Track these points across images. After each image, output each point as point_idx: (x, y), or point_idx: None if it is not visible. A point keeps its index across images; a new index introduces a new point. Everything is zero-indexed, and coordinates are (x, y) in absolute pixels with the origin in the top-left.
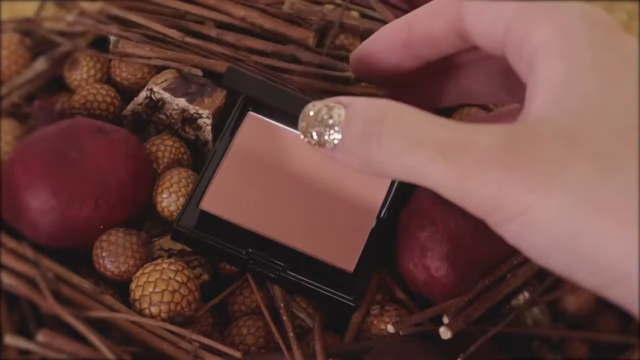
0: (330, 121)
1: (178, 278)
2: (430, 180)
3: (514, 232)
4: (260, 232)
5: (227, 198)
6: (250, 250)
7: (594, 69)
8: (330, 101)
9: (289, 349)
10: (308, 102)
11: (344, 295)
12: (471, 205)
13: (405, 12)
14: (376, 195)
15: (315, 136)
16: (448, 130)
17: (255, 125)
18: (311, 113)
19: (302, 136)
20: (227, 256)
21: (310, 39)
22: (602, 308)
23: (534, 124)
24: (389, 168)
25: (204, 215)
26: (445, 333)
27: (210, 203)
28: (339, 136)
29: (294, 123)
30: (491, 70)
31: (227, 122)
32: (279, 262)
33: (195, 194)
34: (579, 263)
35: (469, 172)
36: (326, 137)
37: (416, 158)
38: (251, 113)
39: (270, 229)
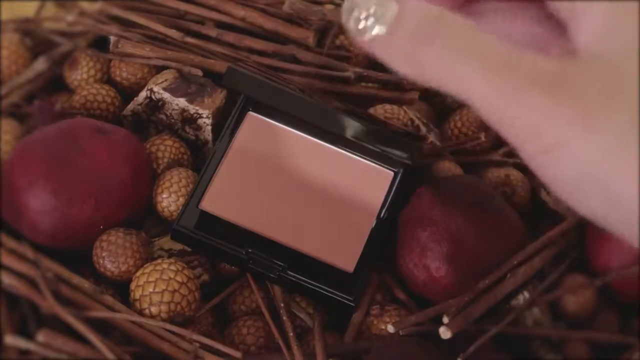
0: (380, 12)
1: (178, 278)
2: (475, 94)
3: (547, 166)
4: (260, 232)
5: (227, 198)
6: (250, 250)
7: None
8: None
9: (289, 348)
10: (307, 101)
11: (344, 295)
12: (510, 130)
13: None
14: (376, 195)
15: (355, 23)
16: (502, 46)
17: (255, 125)
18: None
19: (342, 18)
20: (227, 256)
21: (310, 39)
22: (602, 308)
23: (581, 60)
24: (436, 72)
25: (204, 215)
26: (445, 333)
27: (210, 203)
28: (382, 29)
29: (294, 123)
30: (526, 15)
31: (227, 122)
32: (279, 262)
33: (195, 194)
34: (610, 207)
35: (514, 93)
36: (368, 26)
37: (467, 67)
38: (251, 113)
39: (270, 229)
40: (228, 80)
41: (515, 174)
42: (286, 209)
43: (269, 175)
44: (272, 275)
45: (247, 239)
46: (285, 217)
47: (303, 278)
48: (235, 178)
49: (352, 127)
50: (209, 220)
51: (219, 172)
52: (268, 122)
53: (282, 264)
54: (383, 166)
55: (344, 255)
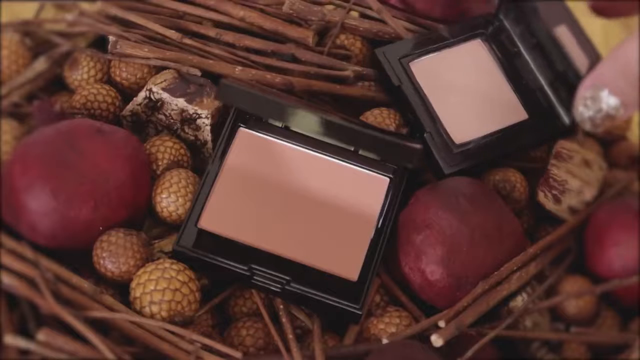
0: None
1: (180, 277)
2: None
3: None
4: (260, 247)
5: (225, 215)
6: (253, 266)
7: None
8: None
9: (288, 350)
10: (300, 112)
11: (350, 304)
12: None
13: (404, 12)
14: (374, 202)
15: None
16: None
17: (248, 141)
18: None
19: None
20: (231, 273)
21: (310, 38)
22: (603, 309)
23: None
24: None
25: (204, 233)
26: (437, 341)
27: (209, 221)
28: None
29: (288, 136)
30: None
31: (219, 140)
32: (282, 276)
33: (193, 213)
34: None
35: None
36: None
37: None
38: (242, 129)
39: (270, 243)
40: (222, 95)
41: (514, 177)
42: (285, 222)
43: (265, 190)
44: (276, 289)
45: (248, 255)
46: (284, 230)
47: (308, 290)
48: (231, 194)
49: (346, 135)
50: (209, 239)
51: (215, 190)
52: (260, 137)
53: (285, 277)
54: (379, 173)
55: (347, 264)
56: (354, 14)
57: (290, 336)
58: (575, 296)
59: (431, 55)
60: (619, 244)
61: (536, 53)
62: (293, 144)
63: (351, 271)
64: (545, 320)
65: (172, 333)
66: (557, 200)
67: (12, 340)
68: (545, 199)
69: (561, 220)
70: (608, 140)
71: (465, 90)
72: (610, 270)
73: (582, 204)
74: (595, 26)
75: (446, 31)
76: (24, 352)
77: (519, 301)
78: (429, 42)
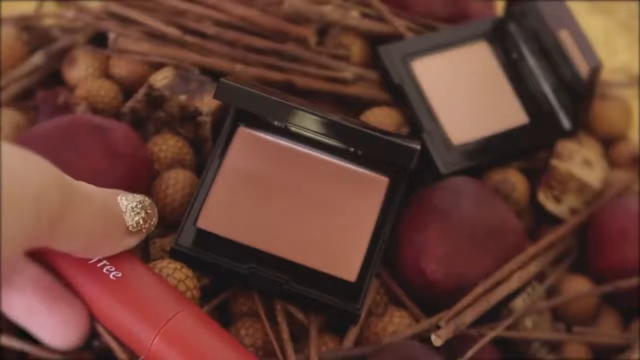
0: None
1: (176, 275)
2: None
3: None
4: (259, 246)
5: (224, 214)
6: (251, 266)
7: None
8: None
9: (283, 352)
10: (299, 111)
11: (348, 305)
12: None
13: (405, 11)
14: (373, 202)
15: None
16: None
17: (247, 140)
18: None
19: None
20: (229, 273)
21: (310, 38)
22: (604, 309)
23: None
24: None
25: (202, 233)
26: (437, 341)
27: (207, 221)
28: None
29: (287, 135)
30: None
31: (218, 138)
32: (281, 276)
33: (192, 212)
34: None
35: None
36: None
37: None
38: (242, 128)
39: (269, 243)
40: (220, 94)
41: (514, 177)
42: (284, 222)
43: (264, 189)
44: (275, 289)
45: (247, 255)
46: (283, 229)
47: (306, 290)
48: (230, 194)
49: (346, 135)
50: (208, 238)
51: (213, 189)
52: (260, 136)
53: (284, 277)
54: (379, 173)
55: (346, 264)
56: (354, 14)
57: (285, 337)
58: (576, 296)
59: (435, 55)
60: (619, 244)
61: (540, 58)
62: (293, 143)
63: (350, 271)
64: (545, 320)
65: None
66: (557, 200)
67: (7, 341)
68: (545, 199)
69: (561, 220)
70: (608, 140)
71: (467, 92)
72: (611, 270)
73: (582, 204)
74: (596, 27)
75: (452, 32)
76: (24, 352)
77: (520, 301)
78: (434, 42)
